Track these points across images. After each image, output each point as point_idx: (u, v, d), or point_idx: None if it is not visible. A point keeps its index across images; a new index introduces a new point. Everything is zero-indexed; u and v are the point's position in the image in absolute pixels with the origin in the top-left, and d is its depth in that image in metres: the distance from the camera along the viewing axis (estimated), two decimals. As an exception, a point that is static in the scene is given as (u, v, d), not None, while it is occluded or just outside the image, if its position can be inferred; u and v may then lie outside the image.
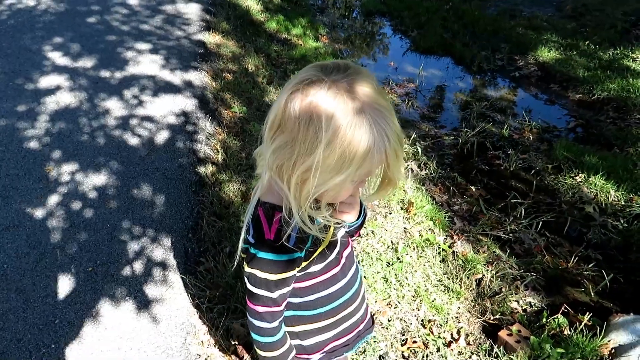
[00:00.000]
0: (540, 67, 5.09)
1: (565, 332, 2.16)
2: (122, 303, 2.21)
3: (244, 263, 1.02)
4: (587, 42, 5.39)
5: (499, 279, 2.49)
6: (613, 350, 2.07)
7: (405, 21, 6.43)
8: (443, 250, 2.64)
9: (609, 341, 2.09)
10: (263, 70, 4.47)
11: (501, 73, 5.17)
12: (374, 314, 2.24)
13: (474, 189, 3.24)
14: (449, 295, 2.38)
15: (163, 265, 2.42)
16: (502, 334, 2.15)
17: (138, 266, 2.39)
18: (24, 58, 4.18)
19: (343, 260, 1.16)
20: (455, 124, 4.20)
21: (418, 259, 2.56)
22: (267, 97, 4.03)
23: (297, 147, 0.85)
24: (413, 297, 2.36)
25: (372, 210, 2.87)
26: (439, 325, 2.24)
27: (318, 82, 0.82)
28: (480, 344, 2.18)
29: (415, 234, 2.72)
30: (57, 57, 4.24)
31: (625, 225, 2.87)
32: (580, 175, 3.28)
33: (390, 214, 2.85)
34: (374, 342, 2.12)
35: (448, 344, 2.16)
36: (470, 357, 2.12)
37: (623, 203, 3.03)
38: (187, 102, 3.79)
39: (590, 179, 3.22)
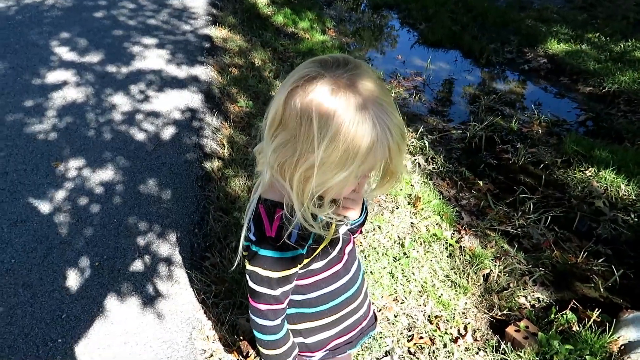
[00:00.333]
0: (550, 59, 5.02)
1: (574, 328, 2.13)
2: (128, 298, 2.21)
3: (246, 261, 1.01)
4: (598, 34, 5.31)
5: (507, 275, 2.46)
6: (623, 346, 2.04)
7: (413, 14, 6.37)
8: (450, 245, 2.62)
9: (618, 337, 2.06)
10: (270, 64, 4.45)
11: (510, 66, 5.11)
12: (380, 310, 2.23)
13: (481, 184, 3.21)
14: (456, 291, 2.37)
15: (169, 261, 2.42)
16: (510, 330, 2.13)
17: (144, 261, 2.40)
18: (32, 53, 4.19)
19: (345, 257, 1.14)
20: (463, 118, 4.16)
21: (425, 254, 2.54)
22: (274, 92, 4.01)
23: (299, 145, 0.83)
24: (420, 292, 2.34)
25: (379, 205, 2.85)
26: (445, 321, 2.23)
27: (318, 78, 0.80)
28: (487, 340, 2.17)
29: (422, 229, 2.70)
30: (64, 52, 4.25)
31: (636, 219, 2.83)
32: (590, 169, 3.24)
33: (397, 208, 2.83)
34: (380, 337, 2.11)
35: (455, 340, 2.14)
36: (477, 353, 2.10)
37: (634, 197, 2.99)
38: (193, 97, 3.79)
39: (600, 173, 3.18)
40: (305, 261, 1.03)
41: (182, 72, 4.14)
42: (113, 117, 3.45)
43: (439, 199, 2.96)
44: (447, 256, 2.56)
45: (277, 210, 0.96)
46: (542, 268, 2.52)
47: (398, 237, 2.63)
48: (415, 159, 3.36)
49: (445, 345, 2.11)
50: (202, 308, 2.20)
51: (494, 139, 3.68)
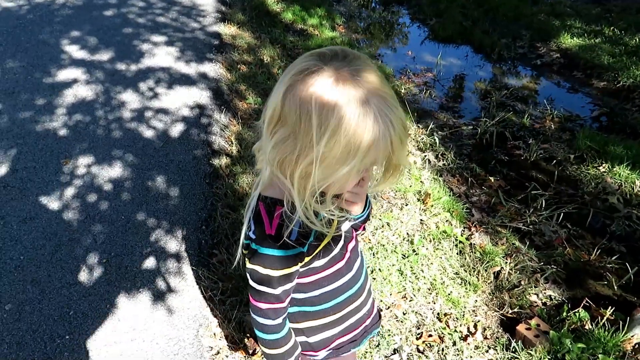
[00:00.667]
0: (563, 54, 4.94)
1: (587, 327, 2.09)
2: (136, 295, 2.21)
3: (246, 259, 1.00)
4: (612, 28, 5.22)
5: (518, 272, 2.42)
6: (637, 345, 2.00)
7: (424, 9, 6.32)
8: (460, 242, 2.58)
9: (632, 336, 2.02)
10: (279, 61, 4.44)
11: (522, 61, 5.04)
12: (388, 307, 2.21)
13: (492, 180, 3.16)
14: (466, 289, 2.33)
15: (176, 258, 2.41)
16: (521, 328, 2.10)
17: (152, 258, 2.40)
18: (42, 52, 4.22)
19: (348, 254, 1.12)
20: (474, 114, 4.11)
21: (434, 252, 2.51)
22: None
23: (299, 140, 0.81)
24: (429, 290, 2.31)
25: (388, 202, 2.82)
26: (455, 319, 2.19)
27: (318, 71, 0.78)
28: (497, 338, 2.13)
29: (432, 226, 2.67)
30: (75, 51, 4.27)
31: (651, 216, 2.77)
32: (603, 165, 3.18)
33: (406, 205, 2.80)
34: (389, 335, 2.09)
35: (464, 338, 2.11)
36: (487, 351, 2.07)
37: (649, 194, 2.93)
38: (201, 94, 3.78)
39: (614, 169, 3.12)
40: (307, 259, 1.00)
41: (190, 69, 4.13)
42: (122, 114, 3.45)
43: (449, 195, 2.92)
44: (457, 253, 2.52)
45: (277, 207, 0.94)
46: (554, 265, 2.48)
47: (407, 234, 2.60)
48: (426, 155, 3.32)
49: (454, 344, 2.08)
50: (209, 305, 2.19)
51: (506, 135, 3.63)
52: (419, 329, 2.15)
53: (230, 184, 2.87)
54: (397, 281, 2.33)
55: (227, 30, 4.98)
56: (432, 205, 2.80)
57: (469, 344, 2.08)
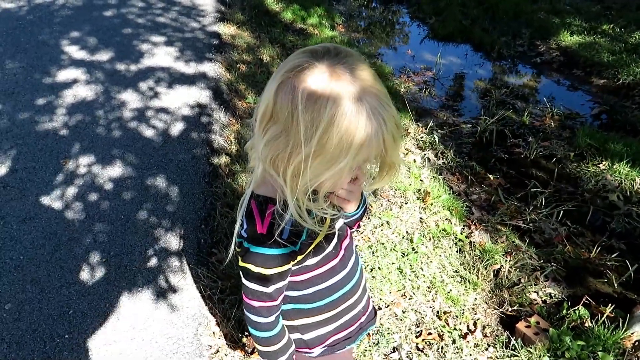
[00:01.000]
0: (562, 52, 4.94)
1: (587, 324, 2.09)
2: (135, 294, 2.21)
3: (239, 257, 0.99)
4: (612, 25, 5.21)
5: (518, 270, 2.42)
6: (637, 342, 2.00)
7: (423, 8, 6.31)
8: (460, 240, 2.58)
9: (632, 333, 2.01)
10: (278, 60, 4.44)
11: (522, 59, 5.04)
12: (387, 305, 2.20)
13: (492, 178, 3.16)
14: (466, 287, 2.33)
15: (175, 257, 2.41)
16: (520, 325, 2.09)
17: (151, 258, 2.40)
18: (42, 52, 4.22)
19: (342, 252, 1.11)
20: (474, 112, 4.10)
21: (434, 250, 2.51)
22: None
23: (291, 137, 0.80)
24: (428, 288, 2.31)
25: (388, 200, 2.82)
26: (454, 317, 2.19)
27: (310, 68, 0.78)
28: (497, 336, 2.13)
29: (432, 224, 2.67)
30: (74, 51, 4.28)
31: (651, 213, 2.76)
32: (604, 162, 3.17)
33: (405, 204, 2.79)
34: (388, 333, 2.09)
35: (464, 336, 2.11)
36: (486, 349, 2.06)
37: (649, 191, 2.92)
38: (201, 94, 3.78)
39: (614, 167, 3.11)
40: (299, 258, 0.99)
41: (190, 69, 4.14)
42: (121, 114, 3.46)
43: (449, 193, 2.92)
44: (457, 251, 2.52)
45: (269, 206, 0.93)
46: (554, 263, 2.47)
47: (407, 232, 2.60)
48: (425, 154, 3.32)
49: (454, 341, 2.08)
50: (208, 304, 2.19)
51: (505, 133, 3.63)
52: (418, 327, 2.14)
53: (230, 183, 2.87)
54: (396, 279, 2.33)
55: (226, 29, 4.98)
56: (431, 204, 2.80)
57: (468, 342, 2.08)
